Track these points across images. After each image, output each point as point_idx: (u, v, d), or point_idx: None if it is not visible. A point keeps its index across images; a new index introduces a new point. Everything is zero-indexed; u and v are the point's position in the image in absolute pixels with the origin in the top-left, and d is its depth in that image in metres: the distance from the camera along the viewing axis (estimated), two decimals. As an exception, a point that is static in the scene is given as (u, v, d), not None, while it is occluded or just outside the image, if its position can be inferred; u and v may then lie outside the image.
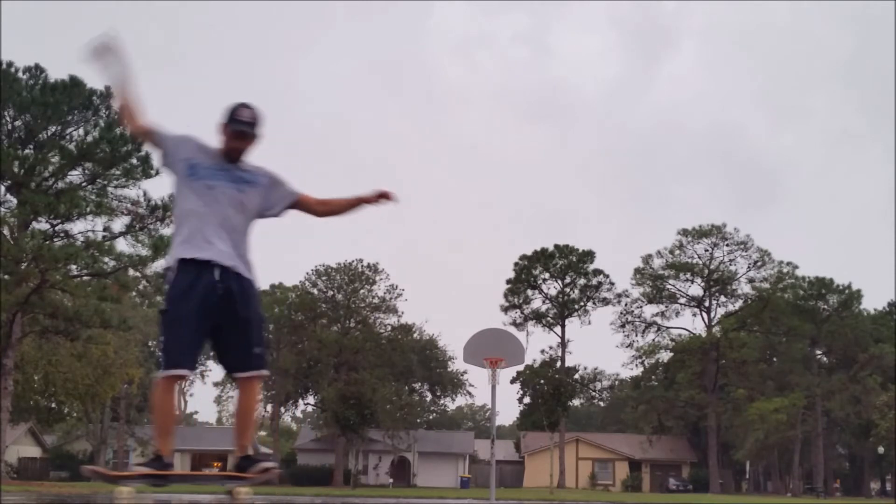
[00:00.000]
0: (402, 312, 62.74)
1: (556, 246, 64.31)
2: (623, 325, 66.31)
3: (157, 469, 3.95)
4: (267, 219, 4.25)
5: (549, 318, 64.02)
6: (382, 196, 4.28)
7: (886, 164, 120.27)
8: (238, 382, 4.15)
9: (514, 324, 62.46)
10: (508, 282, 64.16)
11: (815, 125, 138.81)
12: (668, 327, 66.85)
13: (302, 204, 4.29)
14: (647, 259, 66.70)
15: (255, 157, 4.20)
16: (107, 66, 4.15)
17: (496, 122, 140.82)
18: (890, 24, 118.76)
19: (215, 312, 3.94)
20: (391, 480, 58.81)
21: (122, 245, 31.24)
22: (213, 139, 4.11)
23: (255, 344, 4.07)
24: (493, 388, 18.89)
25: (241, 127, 4.02)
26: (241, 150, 4.08)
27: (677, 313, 67.06)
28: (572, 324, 64.28)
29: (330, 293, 62.02)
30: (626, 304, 66.09)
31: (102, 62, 4.14)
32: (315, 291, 62.00)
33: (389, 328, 62.44)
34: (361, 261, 61.66)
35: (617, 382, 70.20)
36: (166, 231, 30.26)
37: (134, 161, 30.86)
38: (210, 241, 3.95)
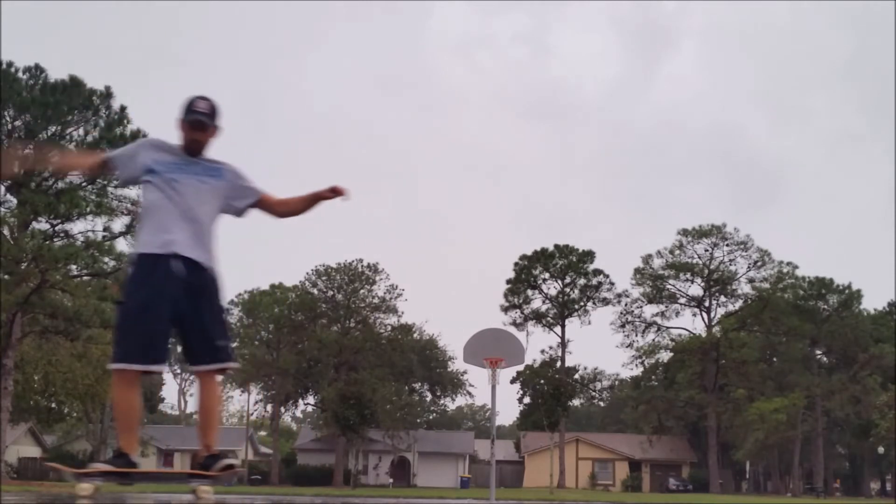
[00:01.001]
0: (402, 312, 62.84)
1: (556, 246, 64.33)
2: (623, 325, 66.32)
3: (121, 467, 3.89)
4: (233, 216, 4.24)
5: (549, 318, 64.00)
6: (335, 192, 4.24)
7: (886, 164, 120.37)
8: (200, 376, 4.04)
9: (514, 324, 62.49)
10: (508, 282, 64.19)
11: (815, 125, 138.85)
12: (668, 327, 66.91)
13: (264, 203, 4.28)
14: (647, 259, 66.74)
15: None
16: (32, 165, 4.27)
17: (496, 122, 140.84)
18: (890, 24, 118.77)
19: (176, 305, 3.89)
20: (391, 480, 58.83)
21: (122, 245, 31.25)
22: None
23: (219, 336, 3.99)
24: (493, 388, 18.87)
25: (197, 116, 4.00)
26: (200, 142, 4.07)
27: (677, 313, 67.10)
28: (572, 324, 64.34)
29: (330, 293, 62.02)
30: (626, 304, 66.15)
31: (27, 167, 4.26)
32: (315, 291, 61.99)
33: (389, 328, 62.44)
34: (361, 261, 61.74)
35: (617, 382, 70.17)
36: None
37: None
38: (172, 234, 3.92)
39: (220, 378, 4.10)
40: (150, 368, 3.88)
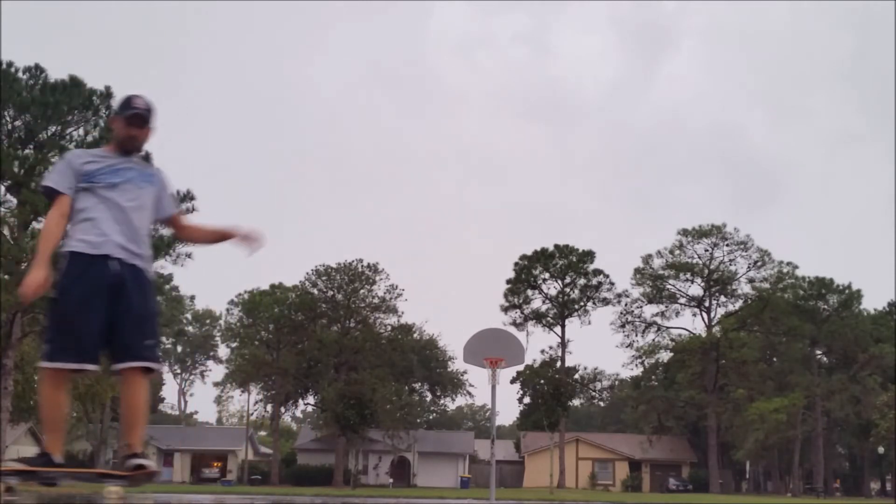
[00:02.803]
0: (402, 312, 62.85)
1: (556, 246, 64.29)
2: (623, 325, 66.30)
3: (38, 466, 3.85)
4: (157, 223, 4.26)
5: (549, 318, 63.98)
6: (246, 239, 4.27)
7: (886, 164, 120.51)
8: (127, 374, 3.97)
9: (514, 324, 62.48)
10: (508, 282, 64.15)
11: (815, 125, 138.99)
12: (668, 327, 66.90)
13: (174, 221, 4.31)
14: (647, 259, 66.72)
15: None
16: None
17: (496, 123, 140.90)
18: (890, 24, 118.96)
19: (108, 304, 3.87)
20: (391, 480, 58.79)
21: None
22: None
23: (147, 336, 3.97)
24: (493, 388, 18.87)
25: (135, 111, 4.03)
26: (137, 139, 4.08)
27: (677, 313, 67.11)
28: (572, 324, 64.31)
29: (330, 293, 61.99)
30: (626, 304, 66.13)
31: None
32: (315, 291, 61.96)
33: (389, 328, 62.43)
34: (361, 261, 61.70)
35: (617, 382, 70.13)
36: (165, 231, 30.30)
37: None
38: (105, 234, 3.92)
39: (145, 377, 4.03)
40: (83, 367, 3.87)
